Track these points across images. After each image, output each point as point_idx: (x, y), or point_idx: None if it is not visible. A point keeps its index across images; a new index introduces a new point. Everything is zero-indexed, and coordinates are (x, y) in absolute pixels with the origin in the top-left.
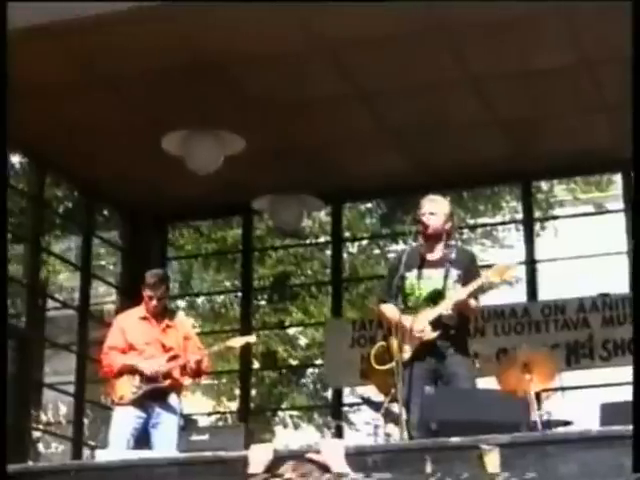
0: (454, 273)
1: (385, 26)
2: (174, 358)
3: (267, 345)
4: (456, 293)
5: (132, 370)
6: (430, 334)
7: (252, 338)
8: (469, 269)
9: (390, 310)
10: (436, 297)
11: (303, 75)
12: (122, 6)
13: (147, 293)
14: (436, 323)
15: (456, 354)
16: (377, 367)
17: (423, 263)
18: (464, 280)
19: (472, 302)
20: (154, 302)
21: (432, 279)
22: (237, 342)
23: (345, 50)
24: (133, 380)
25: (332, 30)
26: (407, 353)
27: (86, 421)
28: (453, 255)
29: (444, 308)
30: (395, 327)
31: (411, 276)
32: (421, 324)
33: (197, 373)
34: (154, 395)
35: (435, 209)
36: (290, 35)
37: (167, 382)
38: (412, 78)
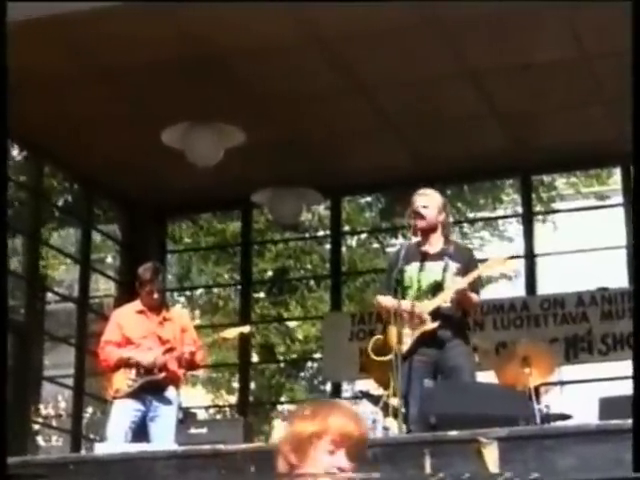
0: (453, 266)
1: (384, 20)
2: (170, 350)
3: (266, 338)
4: (455, 284)
5: (128, 363)
6: (430, 324)
7: (246, 328)
8: (468, 263)
9: (389, 300)
10: (436, 289)
11: (303, 69)
12: None
13: (147, 288)
14: (435, 314)
15: (458, 345)
16: (376, 358)
17: (425, 257)
18: (463, 273)
19: (473, 296)
20: (155, 295)
21: (432, 271)
22: (231, 333)
23: (344, 44)
24: (129, 373)
25: (331, 24)
26: (406, 345)
27: (86, 414)
28: (452, 249)
29: (443, 299)
30: (394, 315)
31: (411, 269)
32: (421, 313)
33: (191, 364)
34: (151, 388)
35: (427, 202)
36: (289, 29)
37: (163, 374)
38: (412, 72)
